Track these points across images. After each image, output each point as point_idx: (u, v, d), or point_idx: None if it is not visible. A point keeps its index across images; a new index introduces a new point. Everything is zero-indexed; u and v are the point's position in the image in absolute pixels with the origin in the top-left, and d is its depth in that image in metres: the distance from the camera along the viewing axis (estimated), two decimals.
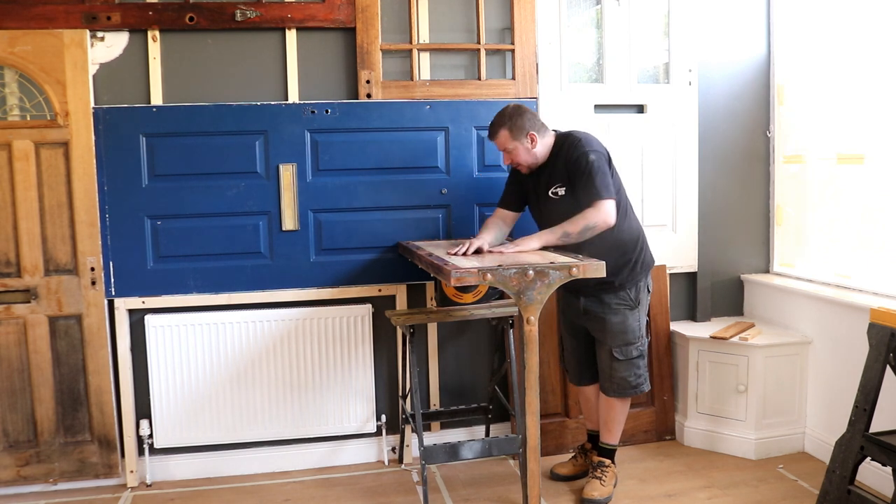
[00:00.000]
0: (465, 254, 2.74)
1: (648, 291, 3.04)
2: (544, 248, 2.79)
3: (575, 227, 2.74)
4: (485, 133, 3.32)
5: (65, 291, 3.12)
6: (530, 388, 2.57)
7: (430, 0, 3.34)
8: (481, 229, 3.03)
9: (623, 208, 2.90)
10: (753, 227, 3.81)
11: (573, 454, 3.30)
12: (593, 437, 3.24)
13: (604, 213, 2.75)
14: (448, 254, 2.76)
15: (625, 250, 2.92)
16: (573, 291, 3.00)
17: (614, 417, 3.07)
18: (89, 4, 3.05)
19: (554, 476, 3.22)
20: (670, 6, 3.58)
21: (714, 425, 3.49)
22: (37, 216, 3.07)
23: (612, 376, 2.98)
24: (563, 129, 3.04)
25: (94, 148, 3.07)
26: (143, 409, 3.26)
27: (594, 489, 3.00)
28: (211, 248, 3.20)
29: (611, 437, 3.09)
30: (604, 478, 3.03)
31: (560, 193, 2.89)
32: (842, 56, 3.32)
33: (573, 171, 2.82)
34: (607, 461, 3.08)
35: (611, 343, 2.95)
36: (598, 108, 3.54)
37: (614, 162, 2.95)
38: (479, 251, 2.78)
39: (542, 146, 2.91)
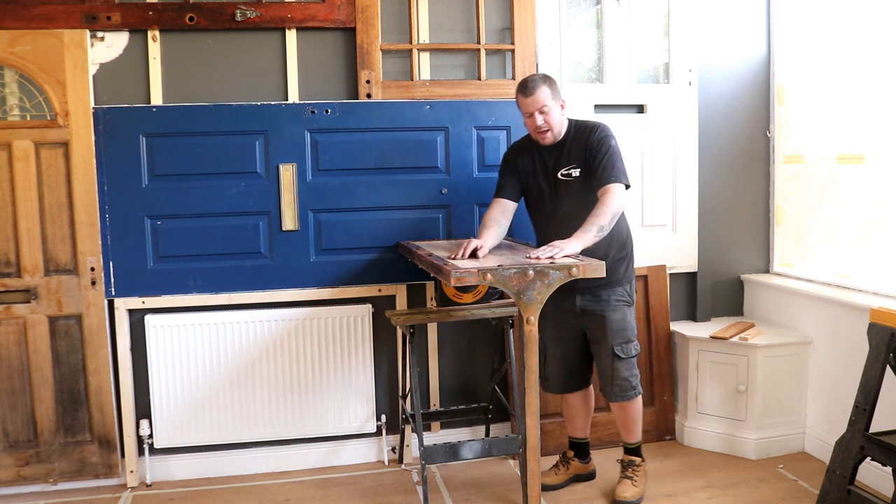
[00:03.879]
0: (462, 256, 2.62)
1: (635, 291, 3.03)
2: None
3: (604, 218, 2.65)
4: (485, 133, 3.34)
5: (65, 291, 3.12)
6: (530, 388, 2.56)
7: (430, 0, 3.34)
8: (481, 228, 2.87)
9: None
10: (753, 227, 3.81)
11: (555, 464, 3.20)
12: (575, 444, 3.19)
13: (620, 198, 2.73)
14: (448, 258, 2.64)
15: (622, 245, 2.92)
16: (567, 291, 2.84)
17: (631, 418, 3.02)
18: (89, 4, 3.05)
19: (543, 488, 3.04)
20: (670, 6, 3.58)
21: (714, 425, 3.49)
22: (37, 216, 3.07)
23: (613, 378, 2.93)
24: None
25: (94, 148, 3.07)
26: (143, 409, 3.26)
27: (626, 490, 2.97)
28: (211, 248, 3.19)
29: (631, 436, 3.06)
30: (635, 477, 3.01)
31: (574, 175, 2.85)
32: (842, 56, 3.32)
33: (594, 153, 2.78)
34: (637, 459, 3.06)
35: (612, 341, 2.91)
36: (598, 107, 3.54)
37: None
38: (474, 254, 2.64)
39: (566, 119, 2.89)
